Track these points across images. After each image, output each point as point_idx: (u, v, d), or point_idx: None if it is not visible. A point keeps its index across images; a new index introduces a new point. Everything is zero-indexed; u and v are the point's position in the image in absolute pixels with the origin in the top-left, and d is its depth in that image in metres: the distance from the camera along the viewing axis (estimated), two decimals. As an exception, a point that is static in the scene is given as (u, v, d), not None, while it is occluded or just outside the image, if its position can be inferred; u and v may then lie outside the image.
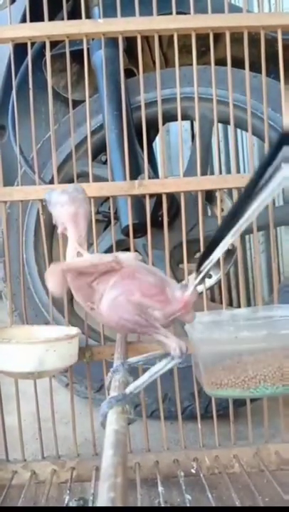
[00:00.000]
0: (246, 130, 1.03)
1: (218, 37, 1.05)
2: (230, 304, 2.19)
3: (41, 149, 1.14)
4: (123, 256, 0.65)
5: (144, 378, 0.57)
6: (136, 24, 0.96)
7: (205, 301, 1.01)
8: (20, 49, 0.99)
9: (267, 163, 0.46)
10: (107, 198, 1.16)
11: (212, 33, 0.97)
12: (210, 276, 1.34)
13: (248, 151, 2.03)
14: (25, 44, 0.97)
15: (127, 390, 0.53)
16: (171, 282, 0.64)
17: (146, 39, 1.25)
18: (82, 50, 0.98)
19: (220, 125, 1.88)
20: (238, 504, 0.81)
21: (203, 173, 1.05)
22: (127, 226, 1.01)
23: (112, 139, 1.07)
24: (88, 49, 1.06)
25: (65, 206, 0.70)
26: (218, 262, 1.27)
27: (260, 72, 0.99)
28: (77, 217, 0.70)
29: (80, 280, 0.62)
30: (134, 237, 1.02)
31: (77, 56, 1.06)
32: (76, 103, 1.16)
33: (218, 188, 0.99)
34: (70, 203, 0.70)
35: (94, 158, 1.16)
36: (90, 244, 0.74)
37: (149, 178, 0.99)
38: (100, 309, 0.62)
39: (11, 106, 1.09)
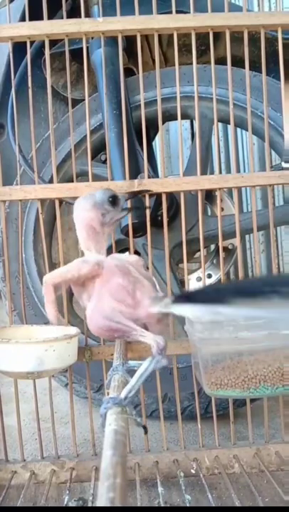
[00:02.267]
0: (246, 129, 1.03)
1: (218, 36, 1.04)
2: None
3: (40, 148, 1.14)
4: (113, 258, 0.69)
5: (132, 382, 0.55)
6: (135, 23, 0.96)
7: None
8: (19, 48, 0.99)
9: None
10: (106, 198, 1.16)
11: (212, 32, 0.96)
12: (210, 276, 1.33)
13: (248, 150, 2.03)
14: (25, 43, 0.97)
15: (122, 395, 0.52)
16: (146, 286, 0.64)
17: (146, 38, 1.25)
18: (81, 48, 0.98)
19: (220, 124, 1.88)
20: (238, 504, 0.80)
21: (203, 172, 1.05)
22: (127, 225, 1.01)
23: (112, 138, 1.06)
24: (88, 48, 1.06)
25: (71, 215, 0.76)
26: (218, 261, 1.27)
27: (260, 71, 0.99)
28: (75, 225, 0.75)
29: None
30: (134, 236, 1.02)
31: (76, 55, 1.06)
32: (75, 102, 1.15)
33: (218, 188, 0.98)
34: (73, 211, 0.75)
35: (93, 157, 1.16)
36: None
37: (149, 177, 0.99)
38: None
39: (10, 105, 1.09)
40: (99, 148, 1.19)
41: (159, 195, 1.00)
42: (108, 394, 0.53)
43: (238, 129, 1.87)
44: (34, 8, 0.98)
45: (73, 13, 1.10)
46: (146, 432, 0.57)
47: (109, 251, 1.09)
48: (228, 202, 1.27)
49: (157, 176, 1.31)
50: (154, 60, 1.30)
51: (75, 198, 0.98)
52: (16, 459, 0.97)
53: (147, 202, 0.97)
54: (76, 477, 0.95)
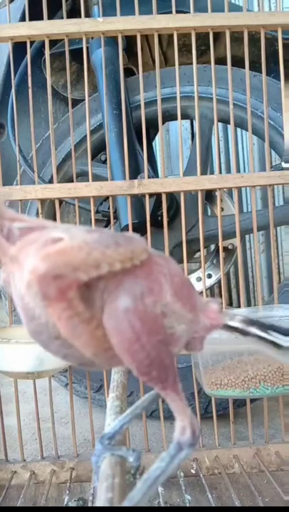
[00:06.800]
0: (246, 129, 1.03)
1: (218, 36, 1.04)
2: (230, 304, 2.18)
3: (40, 148, 1.14)
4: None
5: (142, 488, 0.34)
6: (135, 23, 0.96)
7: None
8: (19, 48, 0.99)
9: None
10: (106, 198, 1.16)
11: (212, 32, 0.96)
12: (210, 276, 1.33)
13: (248, 150, 2.03)
14: (25, 43, 0.97)
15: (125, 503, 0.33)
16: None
17: (146, 38, 1.25)
18: (81, 48, 0.98)
19: (220, 124, 1.87)
20: (238, 504, 0.80)
21: (203, 172, 1.05)
22: (127, 225, 1.01)
23: (112, 138, 1.06)
24: (88, 48, 1.06)
25: None
26: (218, 261, 1.27)
27: (260, 72, 0.99)
28: None
29: None
30: (134, 236, 1.02)
31: (76, 55, 1.06)
32: (75, 102, 1.15)
33: (217, 188, 0.98)
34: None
35: (93, 157, 1.16)
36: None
37: (149, 177, 0.99)
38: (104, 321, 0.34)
39: (10, 105, 1.09)
40: (99, 148, 1.19)
41: (159, 195, 1.00)
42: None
43: (238, 129, 1.87)
44: (34, 8, 0.98)
45: (73, 13, 1.10)
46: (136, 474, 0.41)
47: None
48: (228, 202, 1.27)
49: (157, 176, 1.31)
50: (154, 60, 1.30)
51: (74, 198, 0.99)
52: (16, 459, 0.97)
53: (147, 202, 0.97)
54: (76, 477, 0.95)
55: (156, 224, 1.07)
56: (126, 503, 0.32)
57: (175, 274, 0.38)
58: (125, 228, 1.05)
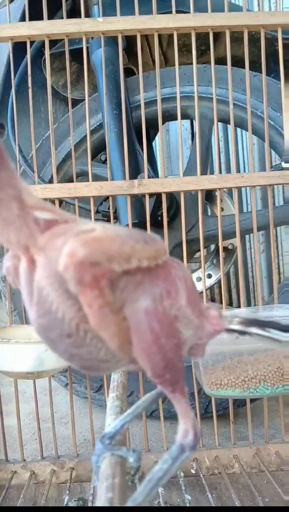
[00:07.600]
0: (246, 129, 1.03)
1: (218, 36, 1.04)
2: (230, 304, 2.18)
3: (40, 148, 1.14)
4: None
5: (145, 490, 0.36)
6: (135, 23, 0.96)
7: (205, 301, 1.01)
8: (19, 48, 0.99)
9: None
10: (106, 198, 1.16)
11: (212, 32, 0.96)
12: (210, 276, 1.33)
13: (248, 150, 2.03)
14: (25, 43, 0.97)
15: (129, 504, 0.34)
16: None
17: (146, 38, 1.25)
18: (81, 48, 0.98)
19: (220, 124, 1.87)
20: (238, 504, 0.80)
21: (203, 172, 1.05)
22: (127, 225, 1.01)
23: (112, 138, 1.06)
24: (88, 48, 1.06)
25: None
26: (218, 261, 1.27)
27: (260, 71, 0.99)
28: None
29: None
30: (134, 236, 1.02)
31: (76, 55, 1.06)
32: (75, 102, 1.15)
33: (217, 188, 0.98)
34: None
35: (93, 157, 1.16)
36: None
37: (149, 177, 0.99)
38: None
39: (10, 105, 1.09)
40: (99, 148, 1.19)
41: (159, 195, 1.00)
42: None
43: (238, 129, 1.87)
44: (34, 8, 0.98)
45: (73, 13, 1.10)
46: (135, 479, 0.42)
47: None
48: (228, 202, 1.27)
49: (157, 176, 1.31)
50: (154, 60, 1.30)
51: (74, 198, 0.99)
52: (16, 459, 0.97)
53: (147, 202, 0.97)
54: (76, 477, 0.95)
55: (156, 224, 1.07)
56: (130, 503, 0.33)
57: (188, 279, 0.38)
58: (125, 228, 1.05)
